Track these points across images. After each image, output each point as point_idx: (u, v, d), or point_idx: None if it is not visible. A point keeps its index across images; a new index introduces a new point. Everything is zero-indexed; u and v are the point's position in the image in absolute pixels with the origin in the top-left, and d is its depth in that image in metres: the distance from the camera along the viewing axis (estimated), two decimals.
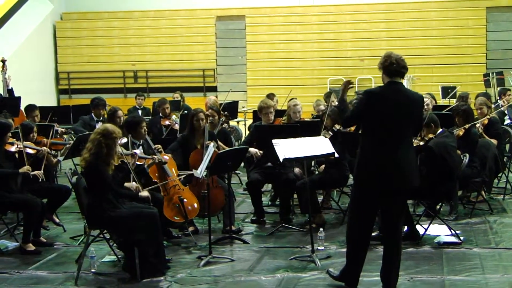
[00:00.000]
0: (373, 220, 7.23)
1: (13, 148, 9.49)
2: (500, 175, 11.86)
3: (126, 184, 8.28)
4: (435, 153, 9.10)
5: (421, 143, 9.46)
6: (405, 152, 6.98)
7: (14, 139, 9.72)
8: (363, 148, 7.04)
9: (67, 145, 11.02)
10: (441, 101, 18.80)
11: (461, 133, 10.40)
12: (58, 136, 11.75)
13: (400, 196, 7.08)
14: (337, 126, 9.92)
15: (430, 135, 9.42)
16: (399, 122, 6.92)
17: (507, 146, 13.06)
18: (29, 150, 9.66)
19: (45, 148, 9.86)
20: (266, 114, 10.75)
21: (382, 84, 7.11)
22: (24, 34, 24.46)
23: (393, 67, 6.97)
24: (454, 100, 18.29)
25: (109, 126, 8.14)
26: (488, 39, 24.39)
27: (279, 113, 11.97)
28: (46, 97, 24.25)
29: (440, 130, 9.57)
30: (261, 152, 10.13)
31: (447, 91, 19.51)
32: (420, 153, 9.38)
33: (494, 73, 22.34)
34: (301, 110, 11.25)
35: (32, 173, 9.08)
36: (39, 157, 9.68)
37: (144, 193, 8.54)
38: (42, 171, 9.21)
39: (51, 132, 10.62)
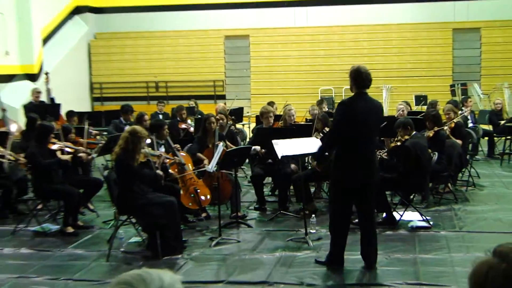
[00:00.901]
0: (350, 212, 7.25)
1: (54, 147, 9.53)
2: (463, 170, 11.87)
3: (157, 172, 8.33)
4: (411, 152, 9.12)
5: (398, 143, 9.48)
6: (372, 152, 7.09)
7: (56, 140, 9.78)
8: (339, 151, 7.09)
9: (99, 144, 11.06)
10: (415, 108, 18.76)
11: (431, 135, 10.43)
12: (92, 137, 11.76)
13: (370, 189, 7.14)
14: (327, 129, 9.95)
15: (406, 137, 9.44)
16: (368, 126, 6.99)
17: (470, 145, 13.09)
18: (68, 149, 9.71)
19: (81, 147, 9.92)
20: (267, 118, 10.79)
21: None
22: (64, 51, 24.47)
23: (362, 80, 7.03)
24: (425, 107, 18.33)
25: (137, 127, 8.22)
26: (454, 55, 24.33)
27: (278, 118, 11.99)
28: (82, 104, 24.26)
29: (414, 132, 9.59)
30: (263, 150, 10.15)
31: (419, 99, 19.51)
32: (397, 152, 9.44)
33: (459, 84, 22.33)
34: (294, 114, 11.31)
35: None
36: (76, 154, 9.74)
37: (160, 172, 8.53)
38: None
39: (85, 133, 10.68)
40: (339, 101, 8.13)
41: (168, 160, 9.08)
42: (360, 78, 7.01)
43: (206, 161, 9.72)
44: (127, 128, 8.53)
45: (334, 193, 7.35)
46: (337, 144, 7.14)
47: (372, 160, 7.11)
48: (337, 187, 7.20)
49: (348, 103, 7.12)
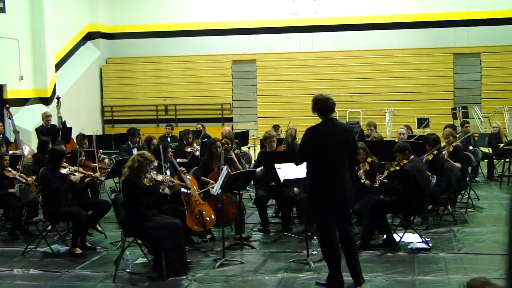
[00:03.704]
0: (333, 231, 7.21)
1: (64, 171, 9.57)
2: (463, 192, 11.84)
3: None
4: (410, 175, 9.11)
5: (397, 167, 9.47)
6: (343, 174, 7.09)
7: (66, 164, 9.82)
8: (310, 175, 7.16)
9: (108, 169, 11.11)
10: (417, 130, 18.77)
11: (430, 158, 10.43)
12: (101, 161, 11.76)
13: (345, 208, 7.20)
14: None
15: (405, 161, 9.43)
16: (337, 150, 7.07)
17: (470, 168, 13.07)
18: (77, 174, 9.78)
19: (90, 172, 9.97)
20: (269, 143, 10.85)
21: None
22: (76, 75, 24.64)
23: (322, 106, 7.12)
24: (427, 129, 18.34)
25: (146, 152, 8.36)
26: (455, 79, 24.39)
27: (281, 141, 11.99)
28: (93, 126, 24.33)
29: (412, 156, 9.58)
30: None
31: (421, 122, 19.52)
32: (397, 175, 9.44)
33: (460, 107, 22.38)
34: (297, 137, 11.28)
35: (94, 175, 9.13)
36: (85, 179, 9.80)
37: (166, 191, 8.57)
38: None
39: (96, 157, 10.71)
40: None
41: (172, 183, 9.08)
42: (319, 105, 7.19)
43: (212, 182, 9.73)
44: (138, 151, 8.61)
45: (314, 214, 7.46)
46: (301, 163, 7.34)
47: (346, 183, 7.13)
48: (314, 206, 7.27)
49: (313, 129, 7.21)
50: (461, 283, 1.85)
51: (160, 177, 8.66)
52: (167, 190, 8.58)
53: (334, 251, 7.18)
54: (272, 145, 10.82)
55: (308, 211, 8.82)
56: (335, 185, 7.05)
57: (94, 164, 10.56)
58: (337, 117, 22.08)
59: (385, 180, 9.54)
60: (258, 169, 10.20)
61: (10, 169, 10.47)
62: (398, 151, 9.50)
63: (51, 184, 9.18)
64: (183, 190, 9.29)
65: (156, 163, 9.37)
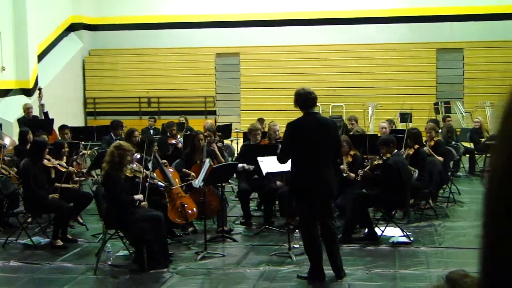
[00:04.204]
0: (314, 224, 7.22)
1: (45, 162, 9.51)
2: (444, 186, 11.89)
3: (135, 197, 8.23)
4: (393, 169, 9.13)
5: (380, 161, 9.50)
6: (325, 168, 7.09)
7: (50, 156, 9.76)
8: (292, 168, 7.17)
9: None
10: (400, 125, 18.84)
11: (411, 152, 10.48)
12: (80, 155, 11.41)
13: (326, 203, 7.26)
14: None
15: (388, 154, 9.44)
16: (318, 144, 7.07)
17: (451, 162, 13.14)
18: (59, 167, 9.71)
19: (72, 168, 9.89)
20: (254, 136, 10.84)
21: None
22: (58, 67, 24.48)
23: (303, 100, 7.15)
24: (410, 124, 18.41)
25: (122, 142, 8.26)
26: (438, 74, 24.49)
27: (265, 135, 12.00)
28: (76, 118, 24.24)
29: (395, 151, 9.61)
30: (250, 166, 10.14)
31: (404, 117, 19.59)
32: (380, 169, 9.46)
33: (443, 102, 22.47)
34: (279, 129, 11.32)
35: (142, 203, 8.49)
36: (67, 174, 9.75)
37: (143, 203, 8.44)
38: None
39: (75, 153, 10.60)
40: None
41: (154, 181, 9.03)
42: (301, 99, 7.23)
43: (193, 175, 9.71)
44: (114, 143, 8.49)
45: (296, 206, 7.53)
46: (285, 161, 7.26)
47: (328, 177, 7.13)
48: (297, 200, 7.35)
49: (294, 123, 7.26)
50: (441, 276, 1.84)
51: (141, 170, 8.63)
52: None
53: (316, 244, 7.19)
54: (256, 138, 10.83)
55: (290, 204, 8.84)
56: (317, 179, 7.06)
57: (77, 168, 10.44)
58: (320, 111, 22.21)
59: (368, 171, 9.52)
60: (240, 165, 10.18)
61: None
62: (383, 144, 9.53)
63: (33, 176, 9.11)
64: (160, 183, 9.24)
65: (138, 155, 9.35)
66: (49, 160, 9.62)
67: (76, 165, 10.45)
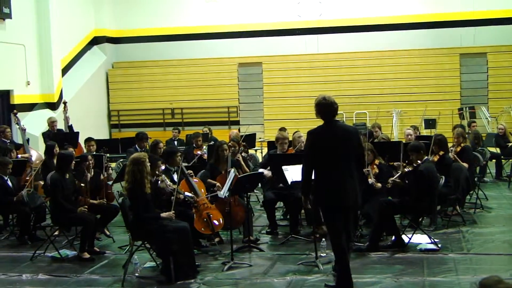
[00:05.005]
0: (340, 231, 7.14)
1: None
2: (471, 192, 11.78)
3: (162, 215, 8.22)
4: (425, 176, 9.05)
5: (411, 168, 9.38)
6: (347, 176, 7.05)
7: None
8: (315, 177, 7.13)
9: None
10: (424, 131, 18.74)
11: (436, 159, 10.40)
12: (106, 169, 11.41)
13: (349, 210, 7.19)
14: None
15: (418, 161, 9.34)
16: (339, 152, 7.03)
17: (478, 168, 13.04)
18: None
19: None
20: (281, 144, 10.82)
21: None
22: (83, 80, 24.69)
23: (324, 110, 7.09)
24: (434, 130, 18.28)
25: (135, 154, 8.26)
26: (462, 79, 24.35)
27: (290, 144, 11.96)
28: (100, 131, 24.42)
29: (426, 157, 9.52)
30: (273, 175, 10.11)
31: (428, 123, 19.48)
32: (410, 176, 9.34)
33: (467, 108, 22.34)
34: (303, 141, 11.26)
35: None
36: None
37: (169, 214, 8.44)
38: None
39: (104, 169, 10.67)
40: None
41: (180, 196, 9.03)
42: (324, 110, 7.14)
43: (218, 185, 9.72)
44: (128, 161, 8.44)
45: (322, 216, 7.52)
46: (310, 171, 7.18)
47: (349, 185, 7.09)
48: (322, 210, 7.35)
49: (314, 132, 7.20)
50: (474, 283, 1.82)
51: (164, 183, 8.69)
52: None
53: (338, 250, 7.14)
54: (283, 147, 10.79)
55: (316, 213, 8.81)
56: (338, 187, 7.01)
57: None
58: (344, 119, 22.21)
59: (398, 180, 9.43)
60: (266, 171, 10.18)
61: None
62: (413, 150, 9.41)
63: (60, 189, 9.17)
64: (187, 194, 9.26)
65: (163, 167, 9.39)
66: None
67: (103, 177, 10.51)
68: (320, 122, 7.31)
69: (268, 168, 10.44)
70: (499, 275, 1.75)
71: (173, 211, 8.21)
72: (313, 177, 7.23)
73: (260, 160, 15.72)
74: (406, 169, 9.45)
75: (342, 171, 7.04)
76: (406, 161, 9.66)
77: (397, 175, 9.52)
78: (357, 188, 7.19)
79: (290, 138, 11.44)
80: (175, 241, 7.80)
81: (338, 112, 7.20)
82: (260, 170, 10.17)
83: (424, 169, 9.12)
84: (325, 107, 7.11)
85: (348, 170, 7.08)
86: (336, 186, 7.02)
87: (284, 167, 8.93)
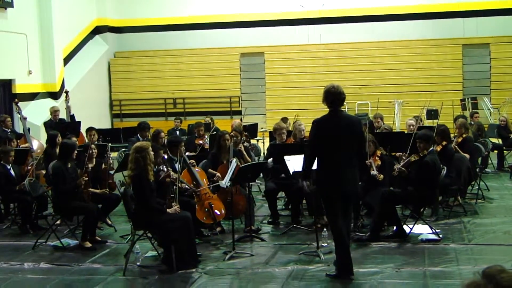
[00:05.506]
0: (340, 215, 7.19)
1: None
2: (473, 183, 11.77)
3: (169, 210, 8.21)
4: (430, 166, 9.02)
5: (416, 158, 9.31)
6: (348, 166, 7.10)
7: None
8: (317, 166, 7.15)
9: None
10: (426, 122, 18.70)
11: (438, 149, 10.36)
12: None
13: (349, 199, 7.25)
14: None
15: (425, 151, 9.27)
16: (341, 142, 7.07)
17: (480, 159, 13.02)
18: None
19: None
20: (279, 135, 10.81)
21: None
22: (84, 69, 24.70)
23: (331, 98, 7.10)
24: (436, 121, 18.24)
25: (138, 143, 8.28)
26: (464, 70, 24.32)
27: (290, 133, 11.96)
28: (102, 120, 24.43)
29: (431, 148, 9.48)
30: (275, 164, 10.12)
31: (430, 113, 19.45)
32: (415, 166, 9.28)
33: (469, 98, 22.31)
34: (304, 129, 11.27)
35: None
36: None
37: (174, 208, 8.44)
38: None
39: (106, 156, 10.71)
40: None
41: (182, 185, 9.04)
42: (331, 98, 7.17)
43: (218, 175, 9.71)
44: (131, 148, 8.43)
45: (323, 203, 7.57)
46: (313, 158, 7.23)
47: (343, 174, 7.11)
48: (323, 197, 7.38)
49: (319, 121, 7.26)
50: (477, 272, 1.81)
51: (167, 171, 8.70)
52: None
53: (338, 238, 7.17)
54: (282, 137, 10.79)
55: (317, 203, 8.80)
56: (339, 176, 7.04)
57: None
58: (346, 109, 22.16)
59: (404, 168, 9.32)
60: (269, 160, 10.19)
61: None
62: (423, 139, 9.28)
63: (62, 178, 9.17)
64: (187, 186, 9.26)
65: (166, 156, 9.40)
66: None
67: (104, 166, 10.52)
68: (322, 112, 7.32)
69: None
70: (502, 265, 1.75)
71: (178, 205, 8.21)
72: (315, 165, 7.26)
73: (262, 149, 15.77)
74: (412, 159, 9.36)
75: (343, 161, 7.07)
76: (408, 152, 9.60)
77: (403, 162, 9.41)
78: (357, 178, 7.24)
79: (291, 128, 11.42)
80: (177, 230, 7.81)
81: (341, 100, 7.21)
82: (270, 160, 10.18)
83: (430, 160, 9.08)
84: (333, 95, 7.15)
85: (349, 159, 7.11)
86: (336, 174, 7.06)
87: (286, 157, 8.92)
